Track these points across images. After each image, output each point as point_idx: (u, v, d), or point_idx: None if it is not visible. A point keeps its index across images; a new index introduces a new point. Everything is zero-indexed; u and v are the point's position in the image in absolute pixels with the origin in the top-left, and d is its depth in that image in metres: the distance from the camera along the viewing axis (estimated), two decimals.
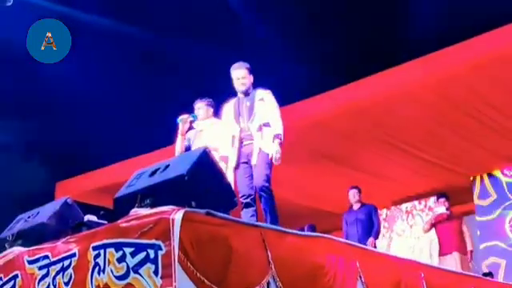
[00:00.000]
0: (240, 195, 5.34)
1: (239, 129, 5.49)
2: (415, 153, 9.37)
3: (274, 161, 5.28)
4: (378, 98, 8.06)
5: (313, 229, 7.10)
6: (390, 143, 9.10)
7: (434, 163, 9.67)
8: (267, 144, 5.35)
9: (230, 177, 5.20)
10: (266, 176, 5.30)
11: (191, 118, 5.92)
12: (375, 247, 7.59)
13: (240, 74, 5.57)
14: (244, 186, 5.41)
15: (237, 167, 5.45)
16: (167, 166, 3.92)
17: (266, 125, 5.45)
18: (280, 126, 5.40)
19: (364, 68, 8.22)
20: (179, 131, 5.89)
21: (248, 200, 5.36)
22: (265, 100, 5.51)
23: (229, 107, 5.68)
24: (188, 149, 5.90)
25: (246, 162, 5.43)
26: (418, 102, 8.03)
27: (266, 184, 5.29)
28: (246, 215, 5.30)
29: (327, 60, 9.50)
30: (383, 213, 11.12)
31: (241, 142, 5.47)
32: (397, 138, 9.02)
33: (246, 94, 5.58)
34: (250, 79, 5.61)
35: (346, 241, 4.90)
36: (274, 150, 5.28)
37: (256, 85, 5.70)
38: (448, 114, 8.27)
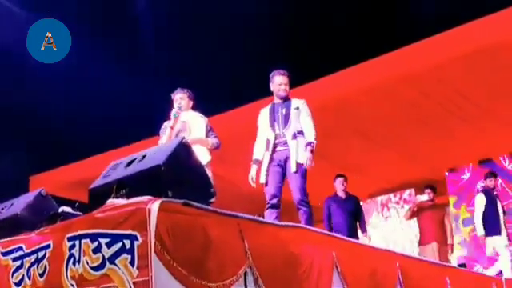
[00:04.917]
0: (268, 196, 5.53)
1: (274, 135, 5.61)
2: (390, 146, 9.44)
3: (305, 165, 5.46)
4: (353, 92, 8.10)
5: None
6: (366, 137, 9.15)
7: (409, 157, 9.75)
8: (302, 154, 5.49)
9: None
10: (303, 190, 5.49)
11: (179, 111, 5.92)
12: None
13: (284, 81, 5.72)
14: (273, 188, 5.55)
15: (268, 170, 5.57)
16: (144, 157, 3.89)
17: (300, 133, 5.60)
18: (313, 134, 5.60)
19: (340, 61, 8.24)
20: (171, 124, 5.90)
21: (274, 201, 5.52)
22: (300, 109, 5.66)
23: (265, 113, 5.78)
24: None
25: (278, 165, 5.55)
26: (393, 95, 8.09)
27: (304, 197, 5.48)
28: (271, 216, 5.43)
29: (303, 52, 9.49)
30: None
31: (274, 147, 5.59)
32: (372, 131, 9.07)
33: (284, 100, 5.70)
34: (288, 87, 5.76)
35: (323, 231, 4.92)
36: (305, 156, 5.46)
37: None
38: (423, 108, 8.34)
